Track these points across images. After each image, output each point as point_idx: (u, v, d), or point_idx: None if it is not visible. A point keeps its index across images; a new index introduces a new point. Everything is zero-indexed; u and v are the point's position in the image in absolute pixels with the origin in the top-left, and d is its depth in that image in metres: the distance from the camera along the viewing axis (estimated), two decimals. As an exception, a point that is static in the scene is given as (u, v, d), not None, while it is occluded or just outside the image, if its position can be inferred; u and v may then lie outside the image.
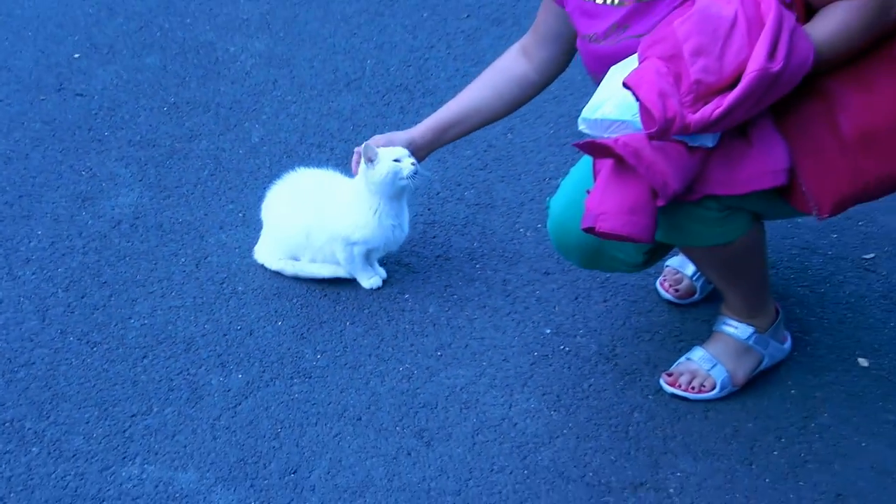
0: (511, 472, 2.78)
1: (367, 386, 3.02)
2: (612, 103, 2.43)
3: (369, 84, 4.47)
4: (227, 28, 4.89)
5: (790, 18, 2.34)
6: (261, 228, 3.44)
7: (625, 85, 2.34)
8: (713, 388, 2.95)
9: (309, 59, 4.64)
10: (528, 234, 3.57)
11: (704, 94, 2.31)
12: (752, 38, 2.30)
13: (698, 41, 2.32)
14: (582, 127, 2.51)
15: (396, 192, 3.19)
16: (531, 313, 3.26)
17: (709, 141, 2.38)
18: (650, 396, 2.98)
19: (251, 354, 3.12)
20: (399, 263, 3.45)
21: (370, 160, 3.13)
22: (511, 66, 3.11)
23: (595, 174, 2.53)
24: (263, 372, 3.06)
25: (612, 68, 2.54)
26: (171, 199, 3.75)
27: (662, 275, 3.31)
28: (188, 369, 3.08)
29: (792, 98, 2.45)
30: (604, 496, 2.74)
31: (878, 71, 2.51)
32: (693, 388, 2.96)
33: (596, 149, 2.41)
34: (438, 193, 3.76)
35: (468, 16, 5.02)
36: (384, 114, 4.25)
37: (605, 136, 2.44)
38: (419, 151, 3.19)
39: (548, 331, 3.20)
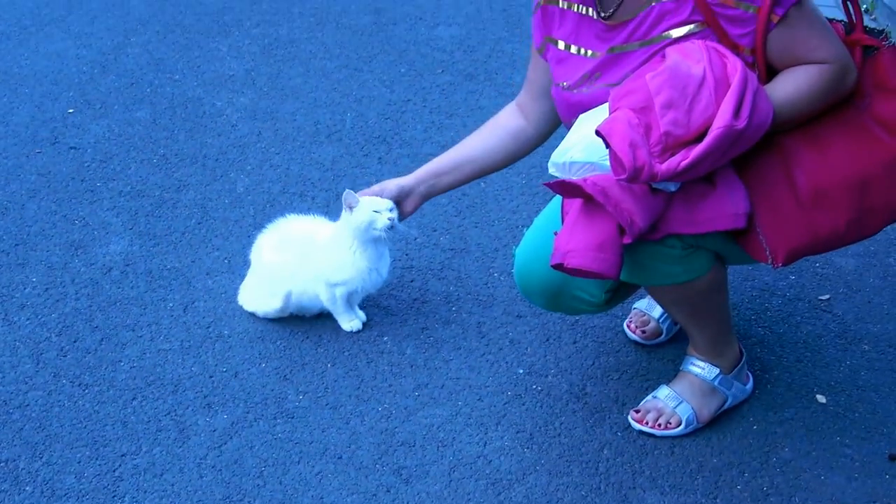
0: (486, 508, 2.75)
1: (347, 425, 2.98)
2: (579, 147, 2.45)
3: (349, 136, 4.45)
4: (214, 84, 4.88)
5: (754, 79, 2.37)
6: (245, 273, 3.41)
7: (597, 133, 2.34)
8: (679, 425, 2.93)
9: (292, 113, 4.63)
10: (501, 278, 3.55)
11: (672, 145, 2.32)
12: (718, 95, 2.32)
13: (669, 95, 2.32)
14: (552, 170, 2.53)
15: (372, 239, 3.17)
16: (504, 354, 3.23)
17: (671, 186, 2.39)
18: (619, 433, 2.95)
19: (236, 396, 3.08)
20: (378, 306, 3.42)
21: (350, 207, 3.13)
22: (508, 120, 3.04)
23: (563, 216, 2.54)
24: (248, 412, 3.02)
25: (582, 116, 2.55)
26: (160, 246, 3.72)
27: (629, 317, 3.29)
28: (175, 410, 3.03)
29: (752, 153, 2.47)
30: (575, 530, 2.71)
31: (830, 131, 2.56)
32: (660, 424, 2.93)
33: (566, 188, 2.42)
34: (416, 239, 3.74)
35: (443, 71, 5.03)
36: (363, 164, 4.23)
37: (573, 177, 2.45)
38: (411, 197, 3.14)
39: (520, 371, 3.17)
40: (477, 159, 3.06)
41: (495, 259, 3.65)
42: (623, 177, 2.30)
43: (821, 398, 3.08)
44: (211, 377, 3.14)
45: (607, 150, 2.37)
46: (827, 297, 3.48)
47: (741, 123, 2.30)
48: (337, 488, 2.79)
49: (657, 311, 3.25)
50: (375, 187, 3.15)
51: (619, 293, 2.90)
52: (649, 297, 3.26)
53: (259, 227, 3.36)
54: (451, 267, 3.62)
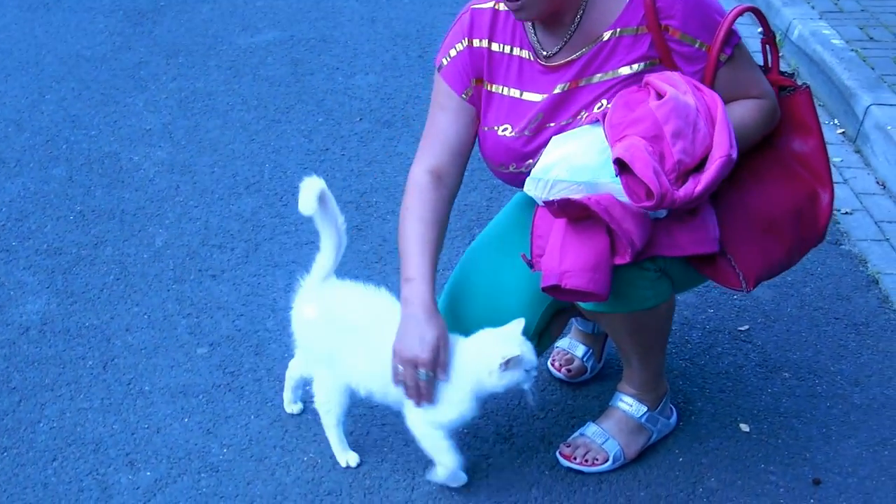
0: (416, 554, 2.71)
1: (272, 477, 2.93)
2: (563, 167, 2.44)
3: (268, 186, 4.41)
4: (130, 139, 4.82)
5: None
6: (165, 327, 3.35)
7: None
8: (606, 461, 2.92)
9: (210, 165, 4.58)
10: (423, 322, 3.51)
11: (683, 173, 2.36)
12: (708, 126, 2.39)
13: (676, 125, 2.36)
14: (528, 185, 2.51)
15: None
16: (429, 398, 3.19)
17: (662, 213, 2.42)
18: (546, 472, 2.93)
19: (159, 452, 3.01)
20: (301, 356, 3.37)
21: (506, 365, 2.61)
22: (435, 196, 2.74)
23: (534, 239, 2.54)
24: (171, 468, 2.96)
25: (554, 138, 2.54)
26: (78, 304, 3.64)
27: (552, 356, 3.28)
28: (97, 469, 2.96)
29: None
30: (505, 572, 2.67)
31: (764, 166, 2.68)
32: (587, 461, 2.92)
33: (568, 205, 2.38)
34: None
35: (360, 119, 5.02)
36: (283, 214, 4.19)
37: (548, 196, 2.45)
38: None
39: (446, 414, 3.14)
40: (439, 248, 2.80)
41: (417, 303, 3.62)
42: (650, 204, 2.32)
43: (744, 427, 3.08)
44: (133, 434, 3.07)
45: (593, 173, 2.40)
46: (746, 327, 3.50)
47: (735, 152, 2.38)
48: (263, 541, 2.74)
49: (580, 349, 3.25)
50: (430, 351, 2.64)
51: (544, 339, 2.89)
52: (571, 336, 3.26)
53: (180, 280, 3.30)
54: (373, 313, 3.58)
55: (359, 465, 2.95)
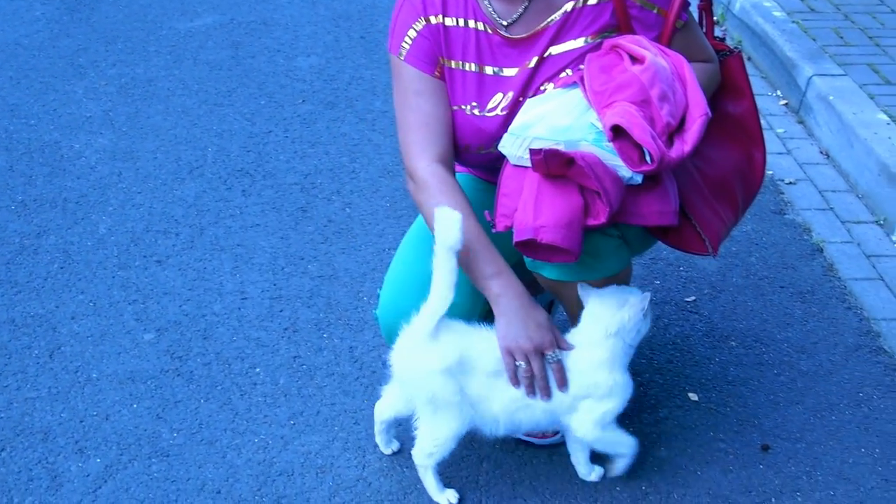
0: (369, 531, 2.73)
1: (224, 460, 2.94)
2: (543, 126, 2.42)
3: (211, 171, 4.41)
4: (71, 126, 4.79)
5: None
6: (111, 314, 3.34)
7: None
8: (556, 433, 2.94)
9: (152, 151, 4.57)
10: (371, 301, 3.54)
11: (670, 134, 2.37)
12: (680, 86, 2.42)
13: (661, 88, 2.37)
14: (504, 141, 2.46)
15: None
16: (378, 377, 3.21)
17: (638, 179, 2.40)
18: (497, 446, 2.96)
19: (108, 438, 3.01)
20: (248, 338, 3.38)
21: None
22: (458, 186, 2.62)
23: (499, 198, 2.47)
24: (121, 454, 2.96)
25: (529, 100, 2.52)
26: (22, 294, 3.63)
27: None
28: (47, 458, 2.95)
29: None
30: (459, 546, 2.70)
31: (712, 127, 2.62)
32: (538, 434, 2.94)
33: (554, 156, 2.33)
34: (283, 269, 3.71)
35: (303, 101, 5.02)
36: (227, 198, 4.19)
37: (519, 153, 2.42)
38: None
39: (397, 392, 3.16)
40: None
41: (364, 283, 3.64)
42: (653, 167, 2.32)
43: (693, 396, 3.13)
44: (82, 422, 3.07)
45: (574, 133, 2.38)
46: (693, 298, 3.54)
47: (709, 111, 2.41)
48: (216, 523, 2.75)
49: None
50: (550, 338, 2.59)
51: (489, 321, 2.89)
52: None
53: (125, 267, 3.28)
54: (320, 294, 3.60)
55: (307, 444, 2.96)
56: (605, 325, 2.58)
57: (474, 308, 2.75)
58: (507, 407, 2.58)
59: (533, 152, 2.34)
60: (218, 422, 3.07)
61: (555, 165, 2.35)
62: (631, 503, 2.80)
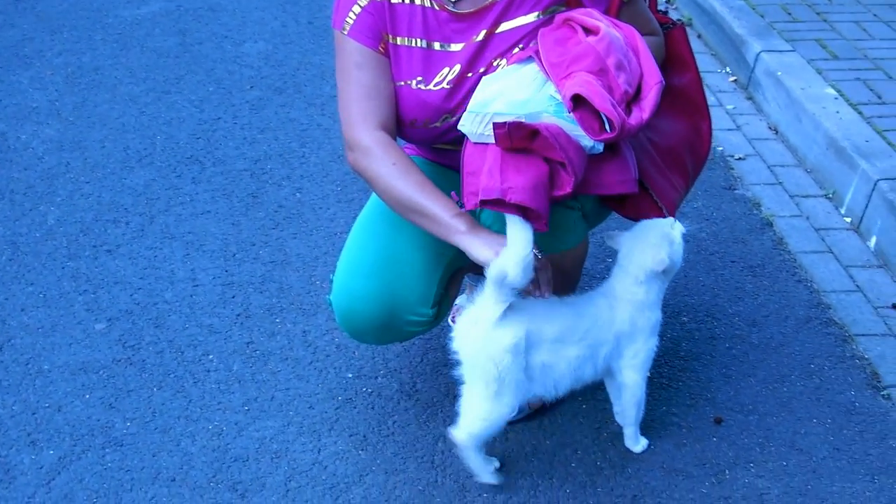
0: (325, 514, 2.74)
1: (178, 447, 2.93)
2: (501, 101, 2.40)
3: (160, 159, 4.39)
4: (17, 117, 4.75)
5: None
6: (61, 305, 3.33)
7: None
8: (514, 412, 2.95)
9: (100, 141, 4.54)
10: (323, 285, 3.54)
11: (628, 103, 2.39)
12: (634, 55, 2.45)
13: (617, 58, 2.39)
14: (465, 119, 2.44)
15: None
16: (332, 360, 3.22)
17: (599, 147, 2.41)
18: (451, 426, 2.96)
19: (61, 430, 3.00)
20: (200, 325, 3.38)
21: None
22: (399, 148, 2.63)
23: (465, 177, 2.43)
24: (75, 445, 2.95)
25: (485, 78, 2.51)
26: (-29, 286, 3.61)
27: (452, 313, 3.31)
28: (-1, 451, 2.95)
29: None
30: (415, 526, 2.71)
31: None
32: (493, 413, 2.95)
33: (518, 128, 2.32)
34: (235, 255, 3.71)
35: (252, 87, 5.01)
36: (177, 185, 4.18)
37: (484, 130, 2.40)
38: None
39: (349, 375, 3.17)
40: None
41: (316, 268, 3.64)
42: (614, 135, 2.33)
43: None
44: (34, 414, 3.06)
45: (533, 106, 2.38)
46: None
47: (664, 79, 2.44)
48: (172, 511, 2.75)
49: (480, 303, 3.28)
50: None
51: (444, 304, 2.91)
52: (467, 292, 3.30)
53: (74, 257, 3.27)
54: (272, 279, 3.60)
55: (262, 429, 2.97)
56: (642, 265, 2.64)
57: (429, 293, 2.78)
58: (572, 365, 2.61)
59: (497, 126, 2.33)
60: (171, 410, 3.06)
61: (518, 138, 2.34)
62: (586, 478, 2.82)
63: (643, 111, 2.39)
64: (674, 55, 2.81)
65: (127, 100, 4.90)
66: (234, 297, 3.51)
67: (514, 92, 2.42)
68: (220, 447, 2.93)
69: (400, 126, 2.70)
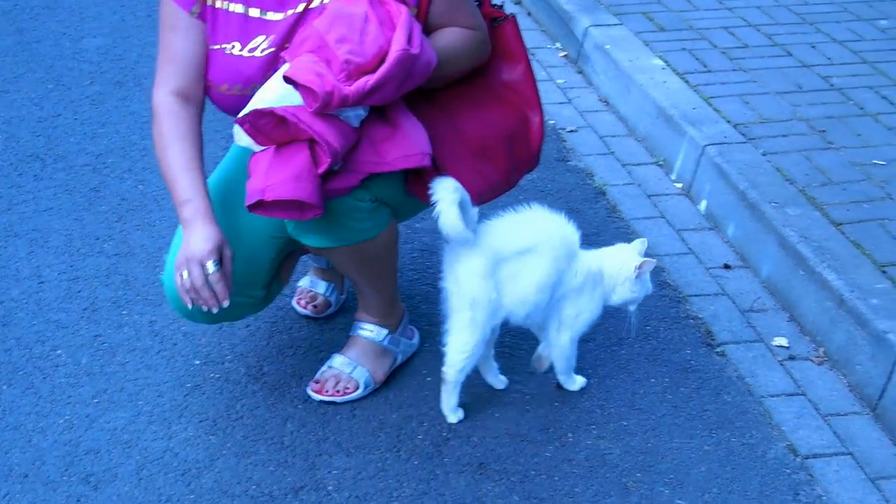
0: (178, 500, 2.75)
1: (29, 443, 2.93)
2: (270, 95, 2.48)
3: (2, 157, 4.34)
4: None
5: (417, 23, 2.55)
6: None
7: (285, 79, 2.40)
8: (357, 389, 3.03)
9: (-62, 142, 4.49)
10: (169, 276, 3.56)
11: (355, 72, 2.41)
12: (385, 31, 2.47)
13: (339, 32, 2.44)
14: (237, 136, 2.53)
15: None
16: (180, 348, 3.25)
17: (354, 119, 2.48)
18: (300, 406, 3.03)
19: None
20: (48, 321, 3.37)
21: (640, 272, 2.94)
22: (186, 114, 2.70)
23: (248, 185, 2.50)
24: (-77, 448, 2.94)
25: (271, 79, 2.55)
26: None
27: (297, 294, 3.37)
28: None
29: (419, 111, 2.62)
30: (267, 504, 2.77)
31: (478, 93, 2.80)
32: (339, 391, 3.02)
33: (259, 116, 2.42)
34: (79, 250, 3.71)
35: (91, 82, 4.98)
36: (19, 184, 4.14)
37: (248, 140, 2.49)
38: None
39: (197, 362, 3.21)
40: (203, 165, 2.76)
41: (160, 258, 3.61)
42: (318, 104, 2.37)
43: (483, 343, 3.23)
44: None
45: (281, 99, 2.44)
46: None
47: (415, 49, 2.46)
48: (25, 507, 2.76)
49: (321, 285, 3.36)
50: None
51: (274, 286, 2.97)
52: (310, 274, 3.36)
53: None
54: (117, 272, 3.61)
55: (112, 420, 2.99)
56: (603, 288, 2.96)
57: (258, 273, 2.85)
58: (539, 283, 2.82)
59: (238, 121, 2.45)
60: (21, 406, 3.06)
61: (269, 128, 2.45)
62: (433, 448, 2.90)
63: (369, 80, 2.41)
64: (504, 49, 2.87)
65: (-36, 100, 4.84)
66: (80, 292, 3.51)
67: (268, 92, 2.50)
68: (71, 441, 2.94)
69: (209, 90, 2.75)
